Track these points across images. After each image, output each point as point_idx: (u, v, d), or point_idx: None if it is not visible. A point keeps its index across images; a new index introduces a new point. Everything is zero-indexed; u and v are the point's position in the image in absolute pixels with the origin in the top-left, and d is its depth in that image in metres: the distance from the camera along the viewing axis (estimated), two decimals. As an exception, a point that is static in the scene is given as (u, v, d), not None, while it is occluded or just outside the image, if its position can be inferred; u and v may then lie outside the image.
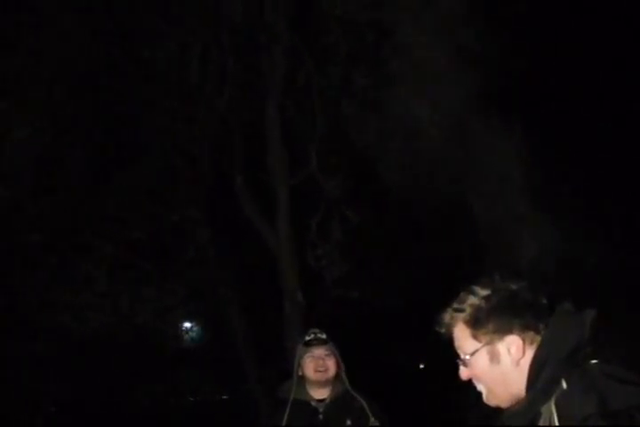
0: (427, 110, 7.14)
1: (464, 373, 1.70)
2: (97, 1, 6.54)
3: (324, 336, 3.60)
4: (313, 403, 3.59)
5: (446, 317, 1.71)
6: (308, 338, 3.60)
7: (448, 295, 1.78)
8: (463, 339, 1.68)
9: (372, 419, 3.56)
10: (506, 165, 7.31)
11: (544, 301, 1.65)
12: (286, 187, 7.17)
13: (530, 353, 1.59)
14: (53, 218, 6.64)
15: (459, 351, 1.71)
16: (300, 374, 3.61)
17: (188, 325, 10.64)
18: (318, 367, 3.54)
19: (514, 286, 1.66)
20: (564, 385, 1.49)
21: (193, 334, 10.99)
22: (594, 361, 1.52)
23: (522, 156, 7.07)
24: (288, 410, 3.53)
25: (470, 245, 7.41)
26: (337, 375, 3.63)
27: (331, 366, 3.57)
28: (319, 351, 3.55)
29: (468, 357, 1.67)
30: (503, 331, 1.62)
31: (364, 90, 7.01)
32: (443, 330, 1.72)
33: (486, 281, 1.69)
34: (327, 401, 3.59)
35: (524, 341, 1.61)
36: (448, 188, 7.28)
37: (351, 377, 3.71)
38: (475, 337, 1.66)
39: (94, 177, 6.85)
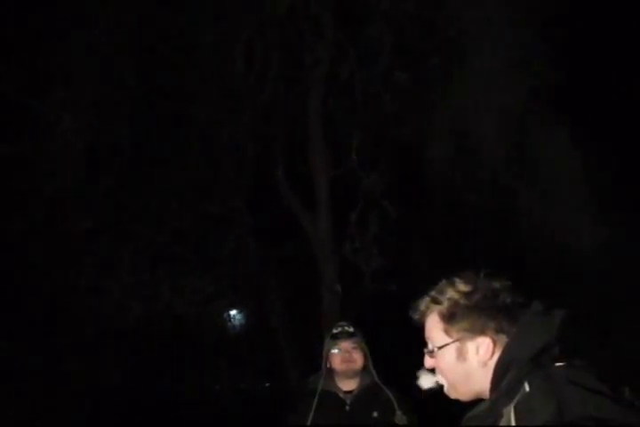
0: (471, 106, 7.09)
1: (428, 362, 1.70)
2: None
3: (351, 329, 3.66)
4: (340, 394, 3.66)
5: (422, 304, 1.69)
6: (335, 331, 3.68)
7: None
8: (434, 331, 1.67)
9: (399, 413, 3.61)
10: (553, 162, 7.21)
11: (522, 302, 1.61)
12: (327, 179, 7.21)
13: (498, 355, 1.57)
14: (99, 207, 6.81)
15: (427, 341, 1.70)
16: (328, 366, 3.68)
17: (232, 312, 10.76)
18: (344, 360, 3.61)
19: (496, 285, 1.62)
20: (527, 388, 1.46)
21: (235, 322, 11.11)
22: (559, 364, 1.48)
23: (569, 153, 6.96)
24: (316, 401, 3.60)
25: (512, 242, 7.35)
26: (365, 368, 3.69)
27: (357, 358, 3.63)
28: (346, 344, 3.62)
29: (435, 349, 1.66)
30: (476, 331, 1.60)
31: (407, 85, 6.99)
32: (416, 317, 1.71)
33: (470, 275, 1.66)
34: (354, 393, 3.65)
35: (494, 343, 1.59)
36: (490, 183, 7.22)
37: (384, 370, 3.76)
38: (446, 332, 1.64)
39: (139, 168, 6.98)
